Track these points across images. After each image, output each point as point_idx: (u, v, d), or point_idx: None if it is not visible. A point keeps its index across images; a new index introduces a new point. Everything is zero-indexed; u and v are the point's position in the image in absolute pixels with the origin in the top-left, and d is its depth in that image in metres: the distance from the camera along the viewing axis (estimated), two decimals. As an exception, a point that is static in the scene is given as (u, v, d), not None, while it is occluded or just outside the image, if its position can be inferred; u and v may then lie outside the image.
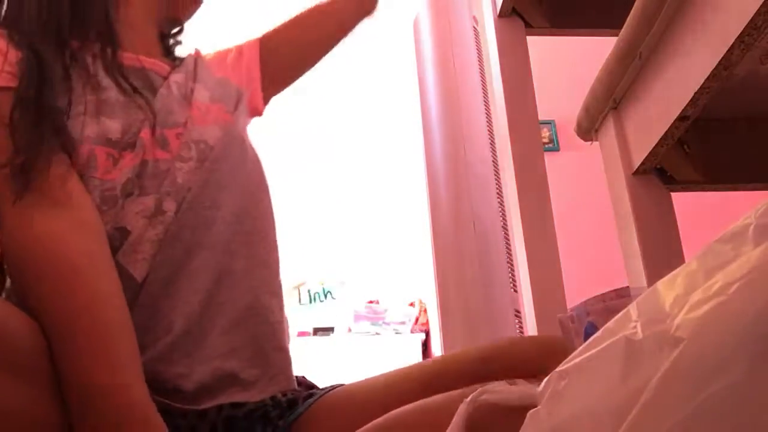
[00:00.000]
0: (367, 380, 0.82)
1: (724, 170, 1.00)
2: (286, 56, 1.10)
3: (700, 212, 2.32)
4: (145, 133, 0.79)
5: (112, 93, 0.80)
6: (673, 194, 0.98)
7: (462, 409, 0.48)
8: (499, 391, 0.49)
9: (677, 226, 0.96)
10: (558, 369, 0.37)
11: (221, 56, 1.06)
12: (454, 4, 1.97)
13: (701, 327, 0.28)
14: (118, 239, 0.74)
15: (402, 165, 3.57)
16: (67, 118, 0.75)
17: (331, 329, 3.48)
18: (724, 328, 0.27)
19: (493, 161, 1.88)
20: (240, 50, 1.07)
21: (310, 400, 0.77)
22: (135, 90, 0.82)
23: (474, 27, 1.97)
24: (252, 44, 1.07)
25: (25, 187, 0.69)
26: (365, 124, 3.83)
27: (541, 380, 0.39)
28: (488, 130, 1.91)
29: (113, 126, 0.78)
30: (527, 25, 1.35)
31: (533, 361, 0.70)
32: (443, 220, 1.75)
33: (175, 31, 1.05)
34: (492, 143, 1.89)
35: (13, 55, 0.77)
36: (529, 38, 1.36)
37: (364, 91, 3.80)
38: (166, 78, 0.90)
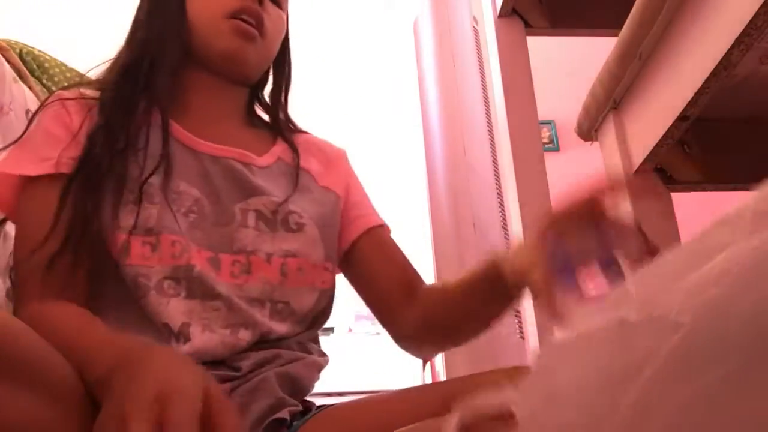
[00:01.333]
0: (362, 399, 0.80)
1: (724, 170, 1.00)
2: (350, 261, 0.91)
3: (700, 212, 2.32)
4: (201, 258, 0.75)
5: (156, 180, 0.75)
6: (673, 194, 0.98)
7: (447, 426, 0.48)
8: (482, 404, 0.48)
9: (677, 226, 0.96)
10: (550, 343, 0.37)
11: (332, 166, 0.93)
12: (454, 4, 1.97)
13: (702, 312, 0.28)
14: (165, 332, 0.72)
15: (402, 165, 3.57)
16: (117, 207, 0.73)
17: (331, 329, 3.48)
18: (725, 313, 0.27)
19: (493, 161, 1.88)
20: (348, 188, 0.93)
21: (297, 423, 0.76)
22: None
23: (474, 27, 1.98)
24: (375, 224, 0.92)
25: (44, 279, 0.69)
26: (366, 124, 3.83)
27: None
28: (488, 130, 1.91)
29: (153, 213, 0.74)
30: (527, 25, 1.35)
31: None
32: (443, 220, 1.75)
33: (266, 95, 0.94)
34: (492, 143, 1.89)
35: (83, 133, 0.76)
36: (529, 38, 1.36)
37: (365, 91, 3.81)
38: (249, 165, 0.81)
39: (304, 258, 0.80)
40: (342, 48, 3.42)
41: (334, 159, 0.94)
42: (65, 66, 1.21)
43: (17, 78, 1.07)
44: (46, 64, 1.17)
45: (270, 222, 0.80)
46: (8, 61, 1.07)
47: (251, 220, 0.79)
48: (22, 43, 1.17)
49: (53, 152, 0.75)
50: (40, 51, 1.19)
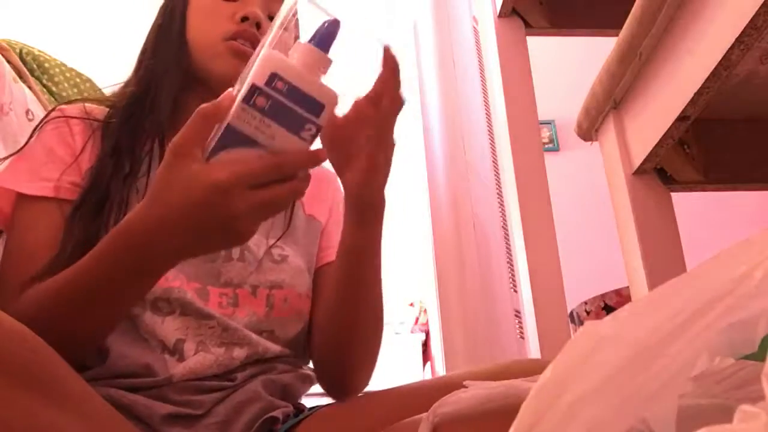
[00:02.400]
0: (355, 398, 0.80)
1: (724, 170, 1.00)
2: None
3: (700, 212, 2.32)
4: (190, 287, 0.75)
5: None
6: (673, 194, 0.98)
7: (423, 427, 0.48)
8: (456, 400, 0.48)
9: (677, 226, 0.96)
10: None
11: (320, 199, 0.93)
12: (454, 4, 1.97)
13: None
14: (159, 348, 0.72)
15: (402, 165, 3.57)
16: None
17: (331, 329, 3.49)
18: None
19: (493, 161, 1.88)
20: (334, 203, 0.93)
21: (292, 421, 0.76)
22: None
23: (474, 27, 1.98)
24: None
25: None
26: (365, 124, 3.83)
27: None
28: (488, 130, 1.91)
29: None
30: (527, 25, 1.35)
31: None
32: (443, 220, 1.75)
33: None
34: (492, 143, 1.89)
35: (85, 156, 0.76)
36: (529, 38, 1.36)
37: (365, 91, 3.81)
38: None
39: (290, 288, 0.80)
40: (342, 49, 3.42)
41: (324, 181, 0.94)
42: (65, 66, 1.21)
43: (17, 78, 1.07)
44: (46, 64, 1.17)
45: (255, 253, 0.80)
46: (8, 61, 1.07)
47: (236, 252, 0.79)
48: (22, 43, 1.17)
49: (53, 173, 0.75)
50: (40, 51, 1.19)
